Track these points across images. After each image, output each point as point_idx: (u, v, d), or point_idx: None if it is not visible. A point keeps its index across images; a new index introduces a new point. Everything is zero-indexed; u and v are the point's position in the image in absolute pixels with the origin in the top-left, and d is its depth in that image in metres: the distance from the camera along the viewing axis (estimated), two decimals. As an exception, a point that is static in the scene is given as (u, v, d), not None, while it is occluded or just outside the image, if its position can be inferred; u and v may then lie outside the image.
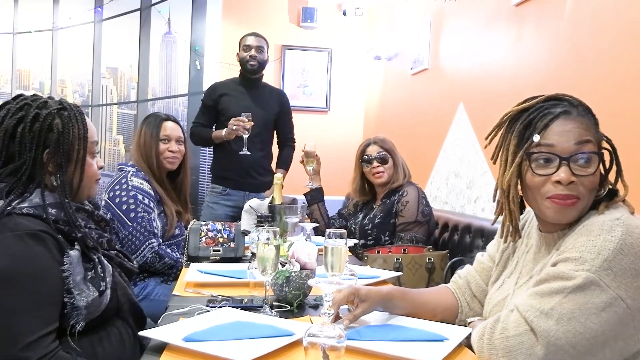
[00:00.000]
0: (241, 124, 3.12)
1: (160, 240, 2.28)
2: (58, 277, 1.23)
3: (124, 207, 2.23)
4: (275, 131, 3.63)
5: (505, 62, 2.89)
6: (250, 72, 3.43)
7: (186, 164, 2.54)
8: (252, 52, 3.40)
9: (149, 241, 2.22)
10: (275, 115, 3.54)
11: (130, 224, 2.21)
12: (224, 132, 3.24)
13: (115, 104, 5.06)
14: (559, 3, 2.43)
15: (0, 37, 4.88)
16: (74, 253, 1.26)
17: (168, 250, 2.29)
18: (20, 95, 1.38)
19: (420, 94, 4.08)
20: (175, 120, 2.53)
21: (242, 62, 3.44)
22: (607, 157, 1.23)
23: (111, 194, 2.27)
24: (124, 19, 5.03)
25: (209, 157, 4.57)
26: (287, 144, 3.65)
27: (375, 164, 2.76)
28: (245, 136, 3.15)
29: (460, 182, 3.34)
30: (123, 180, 2.29)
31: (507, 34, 2.87)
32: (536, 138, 1.18)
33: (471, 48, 3.29)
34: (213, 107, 3.45)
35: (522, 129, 1.22)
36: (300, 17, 5.33)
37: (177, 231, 2.41)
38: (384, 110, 4.99)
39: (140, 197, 2.26)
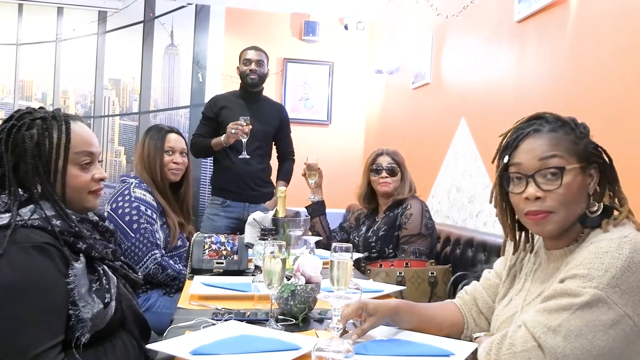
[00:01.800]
0: (240, 128, 3.12)
1: (163, 252, 2.28)
2: (63, 289, 1.23)
3: (127, 218, 2.23)
4: (275, 145, 3.64)
5: (507, 78, 2.91)
6: (250, 86, 3.45)
7: (188, 176, 2.55)
8: (253, 66, 3.42)
9: (152, 252, 2.22)
10: (275, 129, 3.55)
11: (133, 235, 2.21)
12: (222, 137, 3.25)
13: (117, 115, 5.09)
14: (561, 19, 2.46)
15: (4, 48, 4.92)
16: (79, 265, 1.26)
17: (171, 261, 2.29)
18: (18, 110, 1.40)
19: (422, 108, 4.10)
20: (178, 132, 2.54)
21: (243, 75, 3.46)
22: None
23: (114, 205, 2.28)
24: (127, 31, 5.08)
25: (209, 169, 4.58)
26: (288, 157, 3.66)
27: (384, 174, 2.78)
28: (244, 140, 3.16)
29: (462, 196, 3.35)
30: (126, 192, 2.30)
31: (509, 50, 2.90)
32: (505, 159, 1.26)
33: (473, 63, 3.32)
34: (214, 119, 3.46)
35: (501, 151, 1.29)
36: (302, 31, 5.37)
37: (179, 242, 2.41)
38: (385, 124, 5.01)
39: (142, 208, 2.27)
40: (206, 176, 4.87)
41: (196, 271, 2.18)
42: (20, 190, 1.31)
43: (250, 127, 3.15)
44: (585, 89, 2.29)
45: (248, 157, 3.23)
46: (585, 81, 2.30)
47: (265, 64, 3.50)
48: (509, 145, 1.26)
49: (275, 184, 3.57)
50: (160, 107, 5.11)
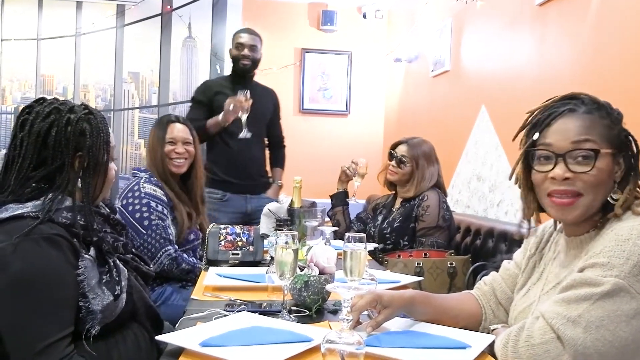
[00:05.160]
0: (239, 103, 2.95)
1: (177, 247, 2.26)
2: (73, 281, 1.23)
3: (137, 215, 2.19)
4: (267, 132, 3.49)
5: (528, 63, 2.83)
6: (242, 71, 3.29)
7: (198, 166, 2.46)
8: (245, 51, 3.26)
9: (165, 248, 2.19)
10: (271, 114, 3.43)
11: (144, 232, 2.18)
12: (220, 116, 3.07)
13: (136, 108, 5.11)
14: (583, 2, 2.38)
15: (25, 43, 4.97)
16: (89, 257, 1.26)
17: (185, 255, 2.26)
18: (42, 98, 1.38)
19: (441, 97, 4.04)
20: (183, 122, 2.47)
21: (235, 60, 3.31)
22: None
23: (124, 202, 2.24)
24: (145, 24, 5.08)
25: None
26: (281, 144, 3.55)
27: (393, 162, 2.75)
28: (244, 117, 2.99)
29: (482, 185, 3.29)
30: (135, 187, 2.26)
31: (530, 34, 2.82)
32: (535, 136, 1.22)
33: (493, 49, 3.24)
34: (207, 105, 3.27)
35: (530, 127, 1.25)
36: (320, 21, 5.32)
37: (192, 236, 2.37)
38: (404, 113, 4.95)
39: (153, 204, 2.22)
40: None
41: (212, 262, 2.17)
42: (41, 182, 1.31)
43: (251, 101, 2.98)
44: (610, 74, 2.22)
45: (249, 135, 3.05)
46: (609, 66, 2.23)
47: (259, 48, 3.32)
48: (540, 123, 1.22)
49: (271, 173, 3.45)
50: (179, 100, 5.11)
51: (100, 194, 1.41)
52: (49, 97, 1.39)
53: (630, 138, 1.21)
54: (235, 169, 3.27)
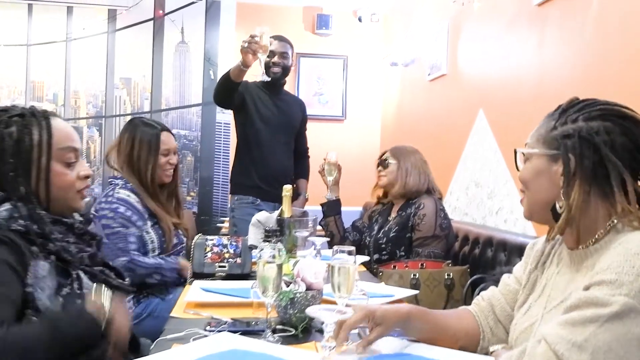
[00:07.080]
0: (253, 41, 2.73)
1: (133, 255, 2.13)
2: (15, 282, 1.14)
3: (103, 221, 2.11)
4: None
5: (527, 66, 2.76)
6: (273, 80, 3.24)
7: (178, 172, 2.39)
8: (276, 58, 3.21)
9: (118, 259, 2.06)
10: (299, 124, 3.41)
11: (106, 241, 2.02)
12: (239, 60, 2.89)
13: (128, 114, 5.03)
14: (584, 1, 2.31)
15: (15, 48, 4.89)
16: (44, 265, 1.17)
17: (140, 258, 2.14)
18: None
19: (439, 101, 3.97)
20: (168, 130, 2.37)
21: (265, 67, 3.17)
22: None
23: (97, 207, 2.17)
24: (137, 29, 5.01)
25: (223, 167, 4.49)
26: (306, 154, 3.53)
27: (379, 168, 2.73)
28: (264, 57, 2.83)
29: (480, 192, 3.20)
30: (110, 193, 2.18)
31: (529, 35, 2.75)
32: None
33: (491, 52, 3.17)
34: (240, 92, 3.14)
35: None
36: (315, 24, 5.25)
37: (175, 240, 2.29)
38: (401, 118, 4.87)
39: (122, 209, 2.14)
40: (219, 174, 4.76)
41: (198, 275, 2.07)
42: None
43: (267, 38, 2.80)
44: (611, 76, 2.15)
45: (268, 79, 3.03)
46: (611, 67, 2.16)
47: (290, 55, 3.29)
48: None
49: (296, 184, 3.39)
50: (171, 106, 5.04)
51: (52, 201, 1.30)
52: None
53: (579, 141, 1.09)
54: (266, 175, 3.21)
